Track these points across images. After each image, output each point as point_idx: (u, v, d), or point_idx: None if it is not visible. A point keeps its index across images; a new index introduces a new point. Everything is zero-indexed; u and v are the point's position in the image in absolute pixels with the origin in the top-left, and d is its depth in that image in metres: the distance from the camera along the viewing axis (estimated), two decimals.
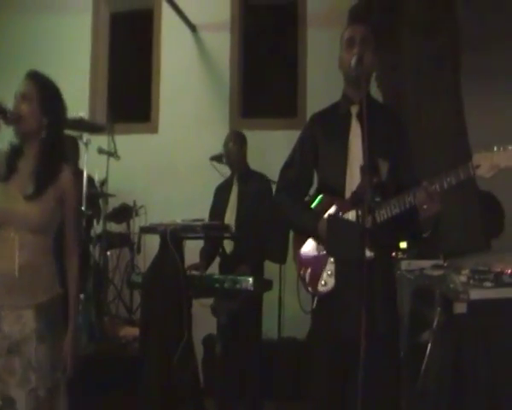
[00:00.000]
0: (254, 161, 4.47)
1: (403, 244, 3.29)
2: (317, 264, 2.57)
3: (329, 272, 2.52)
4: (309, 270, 2.59)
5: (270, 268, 4.42)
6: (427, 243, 2.53)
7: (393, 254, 3.07)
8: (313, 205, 2.65)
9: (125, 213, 5.47)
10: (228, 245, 4.26)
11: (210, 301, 4.03)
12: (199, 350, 4.32)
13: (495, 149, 2.16)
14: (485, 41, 5.35)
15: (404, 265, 3.09)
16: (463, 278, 2.12)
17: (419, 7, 4.42)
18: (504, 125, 5.54)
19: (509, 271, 1.97)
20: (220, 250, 4.30)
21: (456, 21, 4.54)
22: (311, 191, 2.77)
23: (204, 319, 4.10)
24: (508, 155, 2.13)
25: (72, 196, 2.63)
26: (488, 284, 1.93)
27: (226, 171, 4.56)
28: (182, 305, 3.44)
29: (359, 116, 2.55)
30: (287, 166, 2.81)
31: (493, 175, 2.16)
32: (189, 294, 3.56)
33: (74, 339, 2.58)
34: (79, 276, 2.66)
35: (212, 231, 3.91)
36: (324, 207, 2.59)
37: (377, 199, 2.37)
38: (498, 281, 1.94)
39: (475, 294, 1.87)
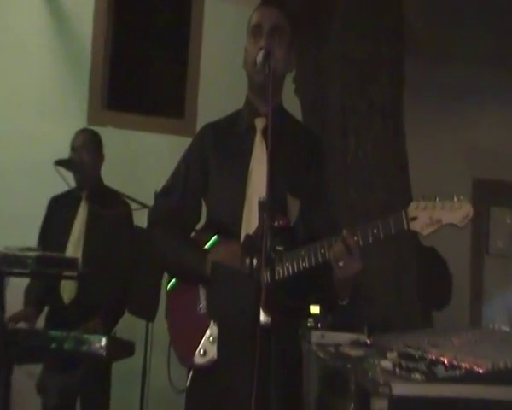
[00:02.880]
0: (120, 172, 4.43)
1: (314, 309, 3.36)
2: (195, 326, 2.59)
3: (211, 339, 2.55)
4: (184, 333, 2.62)
5: (135, 326, 4.39)
6: (347, 310, 2.59)
7: (302, 321, 3.15)
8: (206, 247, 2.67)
9: None
10: (66, 289, 4.20)
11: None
12: None
13: (437, 199, 2.19)
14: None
15: (315, 337, 3.15)
16: (388, 364, 2.19)
17: None
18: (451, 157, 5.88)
19: (446, 360, 2.06)
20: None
21: (401, 22, 4.70)
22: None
23: (33, 394, 4.04)
24: (453, 208, 2.16)
25: None
26: (417, 376, 2.01)
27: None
28: None
29: (265, 133, 2.56)
30: (166, 192, 2.83)
31: (432, 233, 2.20)
32: (10, 357, 3.46)
33: None
34: None
35: (50, 267, 3.80)
36: (219, 252, 2.61)
37: (279, 247, 2.41)
38: (431, 373, 2.02)
39: (399, 388, 1.94)
